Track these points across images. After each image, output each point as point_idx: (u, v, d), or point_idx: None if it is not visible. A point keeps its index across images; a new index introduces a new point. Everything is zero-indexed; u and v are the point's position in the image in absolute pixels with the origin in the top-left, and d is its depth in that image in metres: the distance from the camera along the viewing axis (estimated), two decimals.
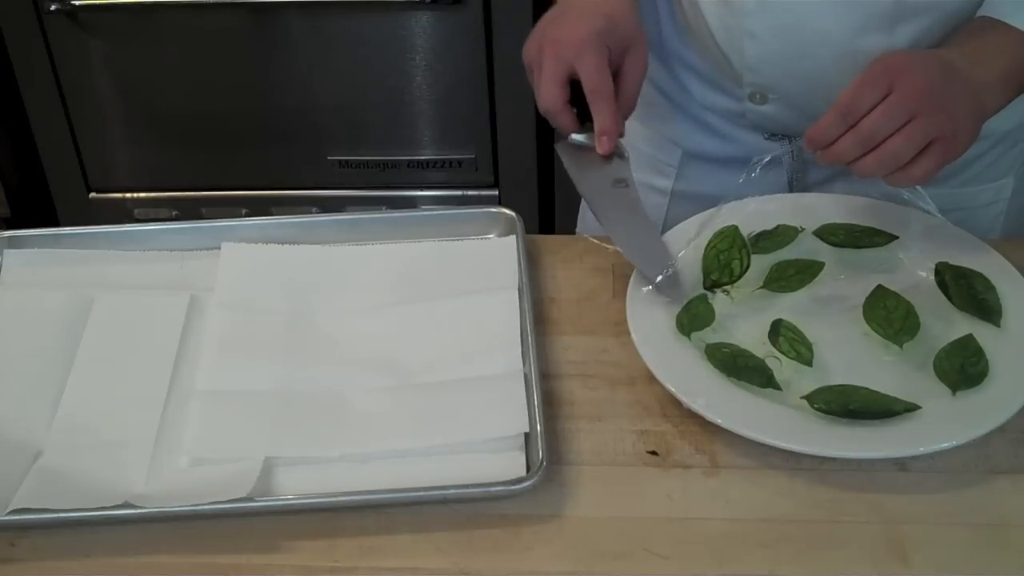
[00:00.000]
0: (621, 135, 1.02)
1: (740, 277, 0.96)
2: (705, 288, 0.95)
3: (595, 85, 0.98)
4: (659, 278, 0.94)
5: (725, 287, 0.95)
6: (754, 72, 1.06)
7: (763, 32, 1.03)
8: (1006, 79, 0.95)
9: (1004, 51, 0.96)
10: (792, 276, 0.96)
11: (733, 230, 0.98)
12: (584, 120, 1.02)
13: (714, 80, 1.12)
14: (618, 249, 0.98)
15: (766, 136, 1.12)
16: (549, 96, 0.99)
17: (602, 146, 1.01)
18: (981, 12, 0.98)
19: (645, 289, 0.94)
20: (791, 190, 1.12)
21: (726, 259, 0.96)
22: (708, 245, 0.98)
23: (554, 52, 0.98)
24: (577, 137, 1.03)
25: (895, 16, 0.99)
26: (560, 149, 1.04)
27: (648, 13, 1.17)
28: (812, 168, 1.12)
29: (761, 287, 0.96)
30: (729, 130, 1.14)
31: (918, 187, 0.99)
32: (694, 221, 1.02)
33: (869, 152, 0.89)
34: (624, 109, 1.01)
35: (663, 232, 1.02)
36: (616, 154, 1.02)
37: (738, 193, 1.08)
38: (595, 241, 1.04)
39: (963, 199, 1.13)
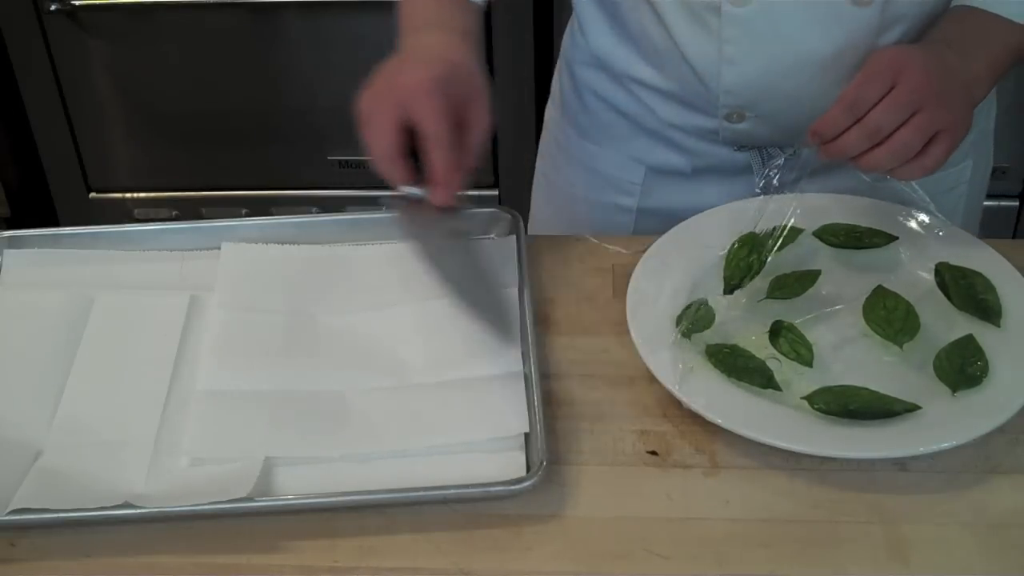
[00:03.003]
0: (461, 190, 0.92)
1: (758, 273, 0.95)
2: (725, 293, 0.95)
3: (431, 130, 0.90)
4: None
5: (739, 286, 0.95)
6: (732, 95, 1.04)
7: (743, 57, 1.01)
8: (991, 68, 0.96)
9: (987, 40, 0.96)
10: (792, 284, 0.96)
11: (751, 237, 0.98)
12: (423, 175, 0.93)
13: (685, 101, 1.09)
14: (461, 311, 0.92)
15: (735, 148, 1.10)
16: (383, 143, 0.91)
17: (436, 196, 0.91)
18: (956, 1, 0.99)
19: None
20: (762, 192, 1.11)
21: (746, 264, 0.96)
22: (729, 255, 0.97)
23: (389, 97, 0.91)
24: (410, 189, 0.93)
25: (880, 28, 0.99)
26: (392, 205, 0.95)
27: (593, 30, 1.13)
28: (782, 170, 1.11)
29: (764, 299, 0.95)
30: (697, 145, 1.12)
31: (916, 186, 0.99)
32: (692, 224, 1.02)
33: (879, 145, 0.90)
34: (465, 163, 0.92)
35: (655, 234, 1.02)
36: (455, 209, 0.93)
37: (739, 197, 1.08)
38: (595, 241, 1.05)
39: (927, 185, 1.11)
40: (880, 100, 0.89)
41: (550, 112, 1.26)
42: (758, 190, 1.10)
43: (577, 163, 1.19)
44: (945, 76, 0.92)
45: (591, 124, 1.18)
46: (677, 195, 1.14)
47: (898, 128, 0.89)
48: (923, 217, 1.01)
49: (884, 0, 0.98)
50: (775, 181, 0.98)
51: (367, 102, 0.93)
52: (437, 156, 0.90)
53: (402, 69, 0.94)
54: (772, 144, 1.09)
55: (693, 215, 1.03)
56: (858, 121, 0.89)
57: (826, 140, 0.91)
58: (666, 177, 1.15)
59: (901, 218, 1.01)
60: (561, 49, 1.24)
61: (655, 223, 1.11)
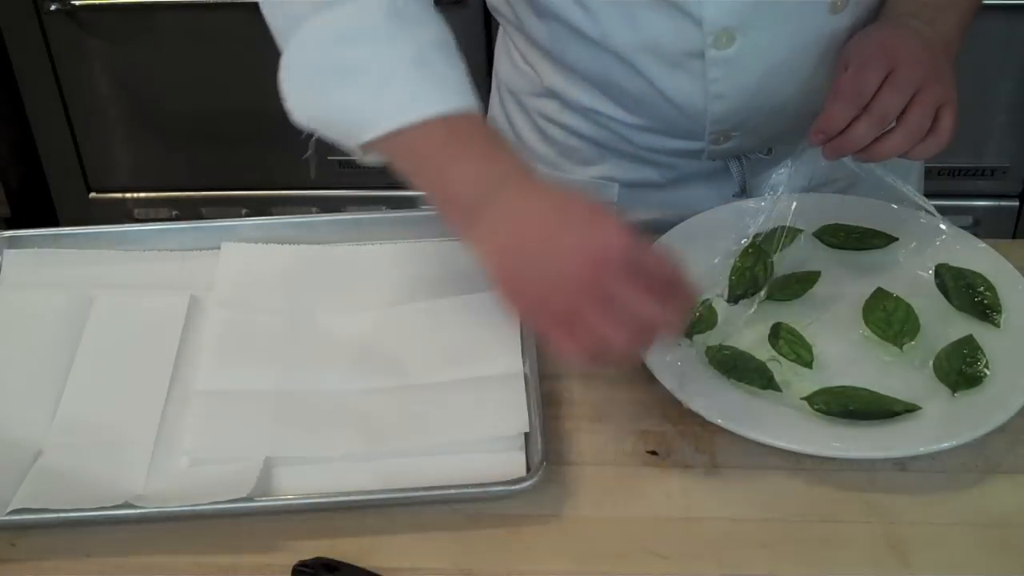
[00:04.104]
0: None
1: (764, 286, 0.95)
2: (727, 301, 0.95)
3: (675, 270, 0.79)
4: None
5: (749, 296, 0.95)
6: (719, 123, 1.02)
7: (731, 90, 0.99)
8: (959, 27, 0.97)
9: (952, 3, 0.98)
10: (792, 285, 0.96)
11: (756, 248, 0.97)
12: None
13: (665, 132, 1.05)
14: None
15: (713, 158, 1.07)
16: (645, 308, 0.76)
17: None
18: None
19: None
20: (743, 193, 1.10)
21: (751, 275, 0.96)
22: (734, 267, 0.97)
23: (607, 274, 0.75)
24: None
25: (852, 27, 0.98)
26: None
27: (545, 70, 1.07)
28: (760, 171, 1.09)
29: (764, 300, 0.95)
30: (675, 160, 1.08)
31: (910, 187, 0.99)
32: (691, 224, 1.02)
33: (891, 131, 0.90)
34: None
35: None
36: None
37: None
38: None
39: None
40: (880, 86, 0.89)
41: None
42: (734, 194, 1.09)
43: None
44: (930, 49, 0.93)
45: (553, 152, 1.11)
46: (654, 205, 1.10)
47: (905, 110, 0.89)
48: (923, 217, 1.01)
49: (854, 2, 0.98)
50: (780, 187, 0.99)
51: (554, 292, 0.76)
52: (686, 291, 0.79)
53: (577, 239, 0.77)
54: (753, 151, 1.08)
55: (672, 221, 1.02)
56: (863, 111, 0.89)
57: (832, 137, 0.91)
58: (641, 189, 1.10)
59: (901, 218, 1.01)
60: (498, 78, 1.17)
61: None
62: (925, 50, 0.92)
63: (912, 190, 0.99)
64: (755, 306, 0.95)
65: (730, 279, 0.96)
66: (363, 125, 0.82)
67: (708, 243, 0.99)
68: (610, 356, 0.78)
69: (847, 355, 0.92)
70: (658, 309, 0.76)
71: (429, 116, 0.80)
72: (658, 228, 1.04)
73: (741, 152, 1.07)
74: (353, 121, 0.83)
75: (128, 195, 2.11)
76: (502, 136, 0.87)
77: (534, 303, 0.79)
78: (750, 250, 0.98)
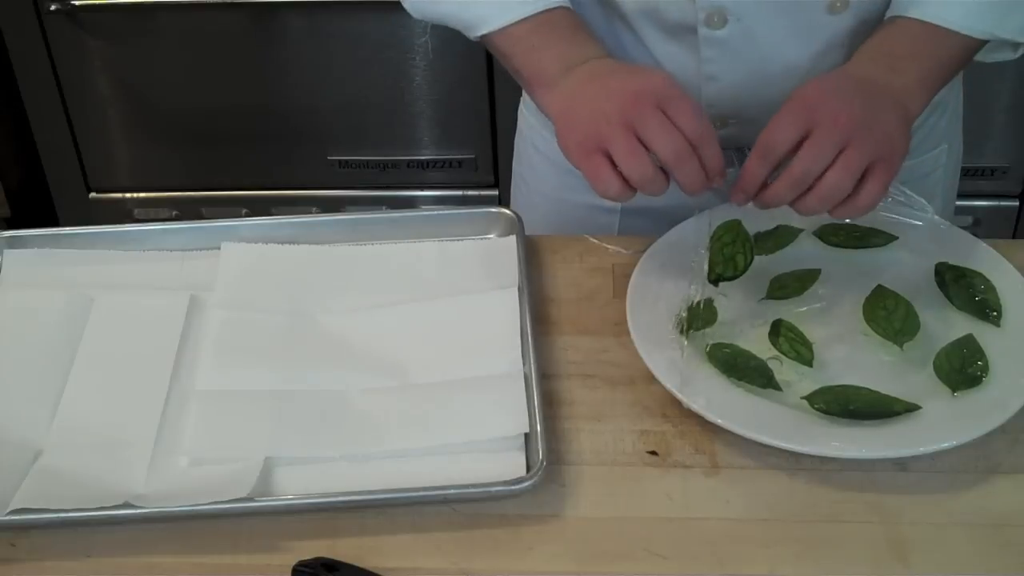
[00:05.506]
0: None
1: (743, 272, 0.95)
2: (709, 281, 0.95)
3: (703, 127, 0.87)
4: None
5: (729, 280, 0.95)
6: (715, 107, 1.03)
7: (724, 74, 1.00)
8: (922, 81, 0.93)
9: (918, 51, 0.93)
10: (792, 284, 0.96)
11: (736, 224, 0.97)
12: None
13: None
14: None
15: None
16: (643, 163, 0.86)
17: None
18: (889, 13, 0.96)
19: None
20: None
21: (730, 253, 0.96)
22: (714, 237, 0.97)
23: (642, 105, 0.86)
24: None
25: (854, 32, 0.98)
26: None
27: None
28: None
29: (763, 299, 0.96)
30: None
31: (904, 189, 0.99)
32: (691, 225, 1.02)
33: (808, 192, 0.87)
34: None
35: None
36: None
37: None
38: (595, 241, 1.05)
39: (904, 173, 1.10)
40: (801, 144, 0.86)
41: (523, 114, 1.22)
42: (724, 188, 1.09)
43: (555, 165, 1.15)
44: (870, 101, 0.89)
45: (550, 132, 1.10)
46: (656, 200, 1.05)
47: (825, 170, 0.86)
48: (923, 217, 1.01)
49: (857, 5, 0.97)
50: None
51: (594, 127, 0.88)
52: (714, 151, 0.88)
53: (623, 80, 0.90)
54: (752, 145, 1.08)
55: (676, 210, 1.02)
56: (781, 169, 0.87)
57: (752, 195, 0.89)
58: None
59: (901, 218, 1.01)
60: None
61: (639, 222, 1.10)
62: (862, 102, 0.88)
63: (909, 194, 0.99)
64: (754, 302, 0.95)
65: (710, 255, 0.95)
66: (465, 28, 1.00)
67: (707, 243, 0.99)
68: (639, 184, 0.87)
69: (847, 354, 0.92)
70: (684, 143, 0.86)
71: (518, 18, 0.96)
72: (660, 215, 1.03)
73: (742, 144, 1.07)
74: (457, 23, 1.01)
75: (128, 195, 2.11)
76: (586, 27, 0.98)
77: (580, 139, 0.89)
78: (730, 225, 0.97)
